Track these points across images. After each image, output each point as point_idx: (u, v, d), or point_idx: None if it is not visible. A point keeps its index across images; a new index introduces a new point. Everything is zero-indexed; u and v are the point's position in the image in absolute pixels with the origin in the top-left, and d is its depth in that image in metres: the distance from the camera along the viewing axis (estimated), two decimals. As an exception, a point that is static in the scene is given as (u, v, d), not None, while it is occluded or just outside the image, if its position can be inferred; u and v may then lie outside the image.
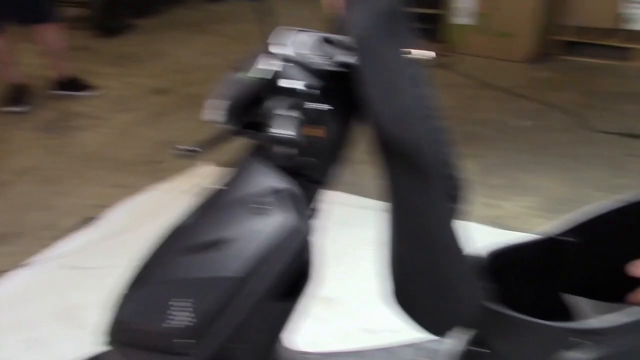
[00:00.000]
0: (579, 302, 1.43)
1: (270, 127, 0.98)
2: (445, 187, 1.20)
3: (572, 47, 4.96)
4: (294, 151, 0.93)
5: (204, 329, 1.08)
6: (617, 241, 1.39)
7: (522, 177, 3.32)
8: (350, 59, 1.03)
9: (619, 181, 3.22)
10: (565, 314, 1.40)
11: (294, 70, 1.03)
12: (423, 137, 1.00)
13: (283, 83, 0.99)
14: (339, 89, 1.04)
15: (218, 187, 1.15)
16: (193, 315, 1.08)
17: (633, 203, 1.38)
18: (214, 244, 1.08)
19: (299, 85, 0.99)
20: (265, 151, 1.03)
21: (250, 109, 1.02)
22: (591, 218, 1.38)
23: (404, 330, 1.31)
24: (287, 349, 1.50)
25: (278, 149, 0.95)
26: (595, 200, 1.51)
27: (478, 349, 1.26)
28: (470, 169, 3.69)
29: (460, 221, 1.25)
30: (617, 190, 3.05)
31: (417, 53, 0.99)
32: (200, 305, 1.08)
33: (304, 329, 2.20)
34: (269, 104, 1.00)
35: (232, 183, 1.13)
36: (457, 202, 1.25)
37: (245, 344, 1.16)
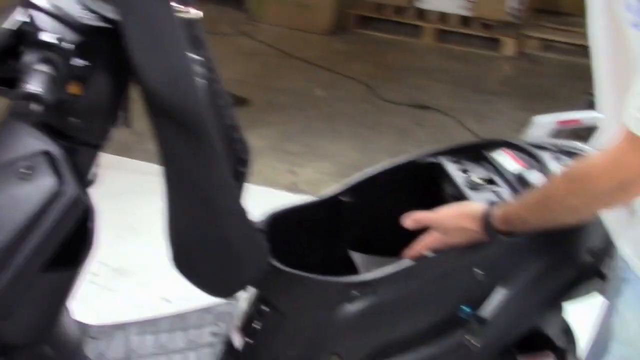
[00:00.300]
0: (363, 259, 1.52)
1: (18, 82, 0.89)
2: (229, 149, 1.21)
3: (368, 22, 5.21)
4: (39, 108, 0.86)
5: None
6: (392, 199, 1.49)
7: (319, 144, 3.45)
8: (114, 14, 0.98)
9: (407, 148, 3.46)
10: (354, 270, 1.48)
11: (50, 23, 0.95)
12: (197, 99, 0.99)
13: (35, 36, 0.91)
14: (104, 46, 0.99)
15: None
16: None
17: (402, 164, 1.49)
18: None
19: (52, 38, 0.92)
20: (25, 111, 0.94)
21: None
22: (365, 179, 1.46)
23: (201, 297, 1.31)
24: (73, 322, 1.43)
25: (25, 106, 0.87)
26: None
27: (261, 308, 1.29)
28: (269, 135, 3.77)
29: (247, 185, 1.26)
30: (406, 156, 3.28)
31: (184, 11, 0.97)
32: None
33: (94, 301, 2.13)
34: (20, 57, 0.92)
35: None
36: (244, 166, 1.27)
37: (14, 320, 1.09)
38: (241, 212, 1.15)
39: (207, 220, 1.13)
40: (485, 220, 1.16)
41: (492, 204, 1.19)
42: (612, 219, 1.10)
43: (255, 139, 3.43)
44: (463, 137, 3.54)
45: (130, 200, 2.69)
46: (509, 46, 4.92)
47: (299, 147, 3.39)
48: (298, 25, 5.00)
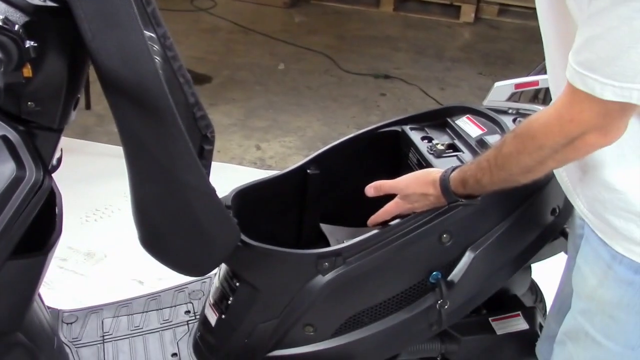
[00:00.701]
0: (333, 230, 1.53)
1: None
2: (193, 127, 1.20)
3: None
4: None
5: None
6: (357, 169, 1.50)
7: (283, 118, 3.44)
8: None
9: (372, 118, 3.47)
10: (324, 242, 1.49)
11: None
12: (156, 77, 0.97)
13: None
14: (53, 26, 0.97)
15: None
16: None
17: (366, 134, 1.50)
18: None
19: (0, 21, 0.89)
20: None
21: None
22: (329, 150, 1.47)
23: (174, 277, 1.31)
24: (45, 309, 1.42)
25: None
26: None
27: (233, 284, 1.30)
28: (233, 112, 3.74)
29: (214, 163, 1.26)
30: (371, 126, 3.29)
31: None
32: None
33: (65, 287, 2.11)
34: None
35: None
36: (209, 144, 1.26)
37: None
38: (208, 190, 1.14)
39: (174, 199, 1.12)
40: (443, 185, 1.17)
41: (450, 168, 1.20)
42: (566, 178, 1.12)
43: (220, 116, 3.44)
44: (426, 105, 3.56)
45: (94, 183, 2.67)
46: (467, 12, 4.94)
47: (263, 123, 3.38)
48: (256, -1, 4.95)
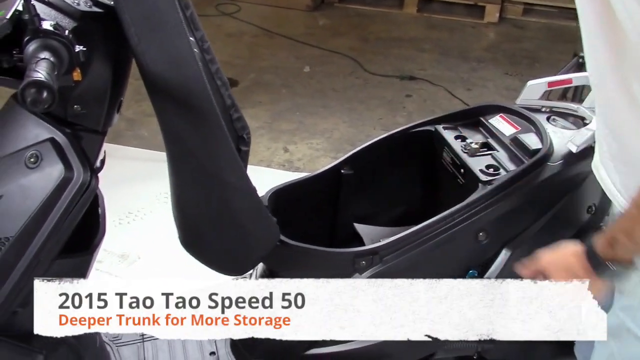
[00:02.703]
0: (367, 230, 1.55)
1: (26, 71, 0.88)
2: (230, 129, 1.22)
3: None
4: (50, 96, 0.85)
5: None
6: (391, 168, 1.51)
7: (310, 121, 3.45)
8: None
9: (399, 119, 3.47)
10: (358, 241, 1.51)
11: (47, 11, 0.96)
12: (201, 80, 1.00)
13: (36, 25, 0.91)
14: (99, 31, 1.00)
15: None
16: None
17: (399, 134, 1.51)
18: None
19: (47, 25, 0.92)
20: (34, 99, 0.93)
21: None
22: (364, 150, 1.48)
23: (209, 276, 1.32)
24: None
25: (33, 95, 0.86)
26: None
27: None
28: (260, 115, 3.75)
29: (248, 164, 1.28)
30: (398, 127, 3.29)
31: None
32: None
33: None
34: (22, 47, 0.91)
35: None
36: (245, 145, 1.28)
37: (32, 307, 1.10)
38: (250, 190, 1.16)
39: (216, 199, 1.14)
40: (590, 255, 1.06)
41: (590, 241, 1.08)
42: (607, 179, 1.10)
43: (247, 120, 3.43)
44: (453, 106, 3.55)
45: (126, 187, 2.70)
46: (492, 12, 4.92)
47: (291, 125, 3.40)
48: (280, 2, 4.97)
